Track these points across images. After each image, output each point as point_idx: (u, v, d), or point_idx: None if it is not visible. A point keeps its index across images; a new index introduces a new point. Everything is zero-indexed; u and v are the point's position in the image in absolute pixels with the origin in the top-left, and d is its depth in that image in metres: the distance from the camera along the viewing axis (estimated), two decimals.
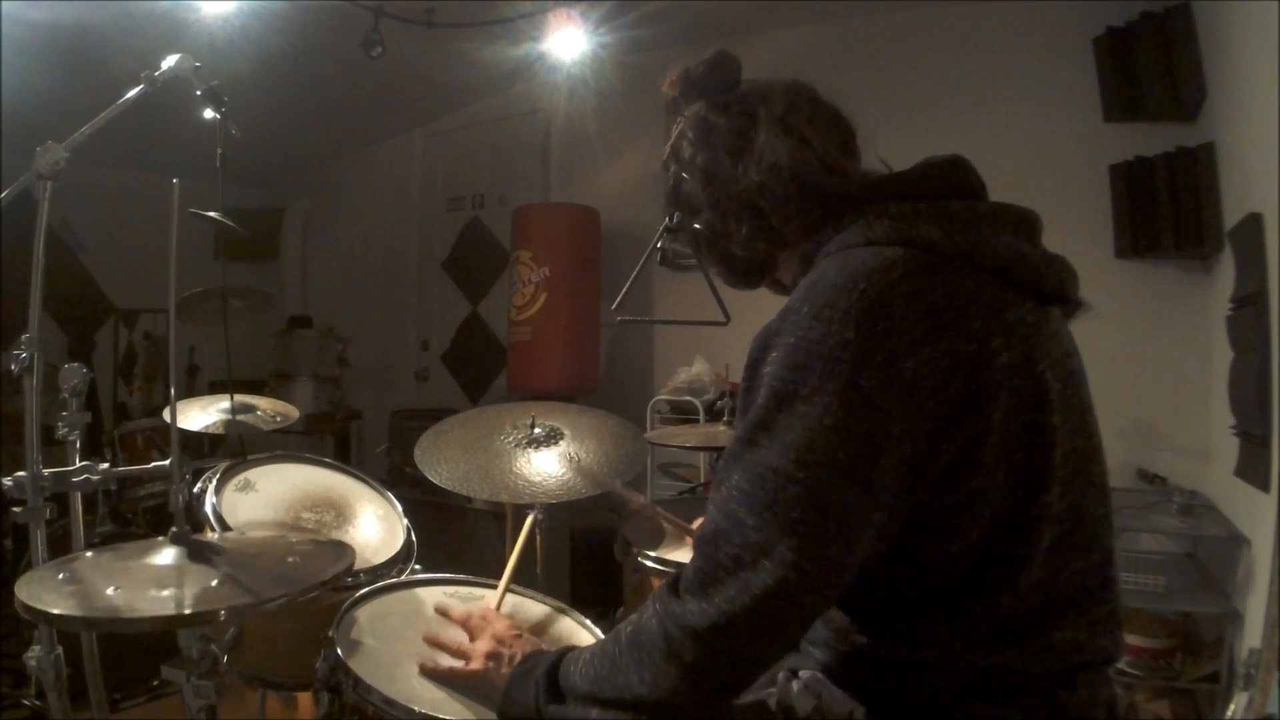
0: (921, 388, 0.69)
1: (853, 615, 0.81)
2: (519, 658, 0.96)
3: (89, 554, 0.99)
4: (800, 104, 0.89)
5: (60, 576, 0.89)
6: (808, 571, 0.69)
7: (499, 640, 1.02)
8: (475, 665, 1.00)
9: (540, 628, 1.25)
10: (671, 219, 1.00)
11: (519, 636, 1.04)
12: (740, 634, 0.70)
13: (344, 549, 1.03)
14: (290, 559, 0.99)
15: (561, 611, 1.31)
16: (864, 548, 0.70)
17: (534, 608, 1.32)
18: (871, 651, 0.80)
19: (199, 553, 0.95)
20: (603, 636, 0.90)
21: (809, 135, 0.87)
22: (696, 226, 0.95)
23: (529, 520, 1.39)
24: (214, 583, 0.89)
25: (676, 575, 0.77)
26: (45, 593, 0.84)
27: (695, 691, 0.73)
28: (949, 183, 0.83)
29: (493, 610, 1.15)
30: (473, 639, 1.06)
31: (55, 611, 0.78)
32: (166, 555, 0.95)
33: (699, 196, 0.93)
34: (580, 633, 1.26)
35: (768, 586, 0.69)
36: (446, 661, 1.05)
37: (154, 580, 0.89)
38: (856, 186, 0.85)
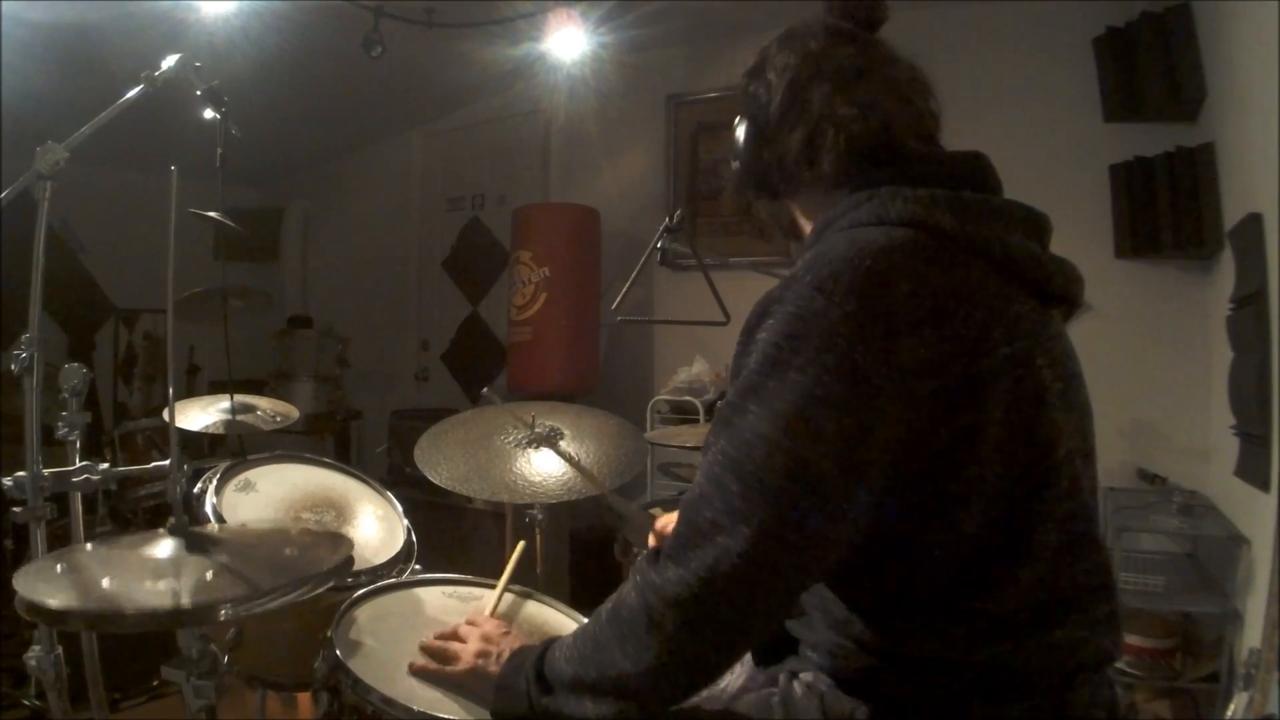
0: (918, 369, 0.68)
1: (853, 612, 0.81)
2: (507, 654, 0.96)
3: (88, 546, 0.99)
4: (919, 78, 0.88)
5: (58, 568, 0.89)
6: (788, 540, 0.68)
7: (487, 639, 1.02)
8: (464, 666, 1.00)
9: (538, 627, 1.25)
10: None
11: (506, 634, 1.03)
12: (719, 602, 0.70)
13: (342, 541, 1.02)
14: (288, 550, 0.99)
15: (557, 610, 1.31)
16: (849, 525, 0.70)
17: (532, 607, 1.32)
18: (872, 651, 0.80)
19: (197, 544, 0.95)
20: None
21: (915, 99, 0.86)
22: (745, 125, 0.92)
23: (519, 548, 1.38)
24: (210, 574, 0.89)
25: (658, 548, 0.76)
26: (42, 583, 0.84)
27: (677, 663, 0.72)
28: (967, 175, 0.82)
29: (481, 615, 1.15)
30: (462, 643, 1.05)
31: (51, 603, 0.78)
32: (164, 547, 0.95)
33: (771, 98, 0.88)
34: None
35: (746, 554, 0.68)
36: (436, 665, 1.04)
37: (151, 571, 0.89)
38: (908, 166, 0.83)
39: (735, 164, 0.96)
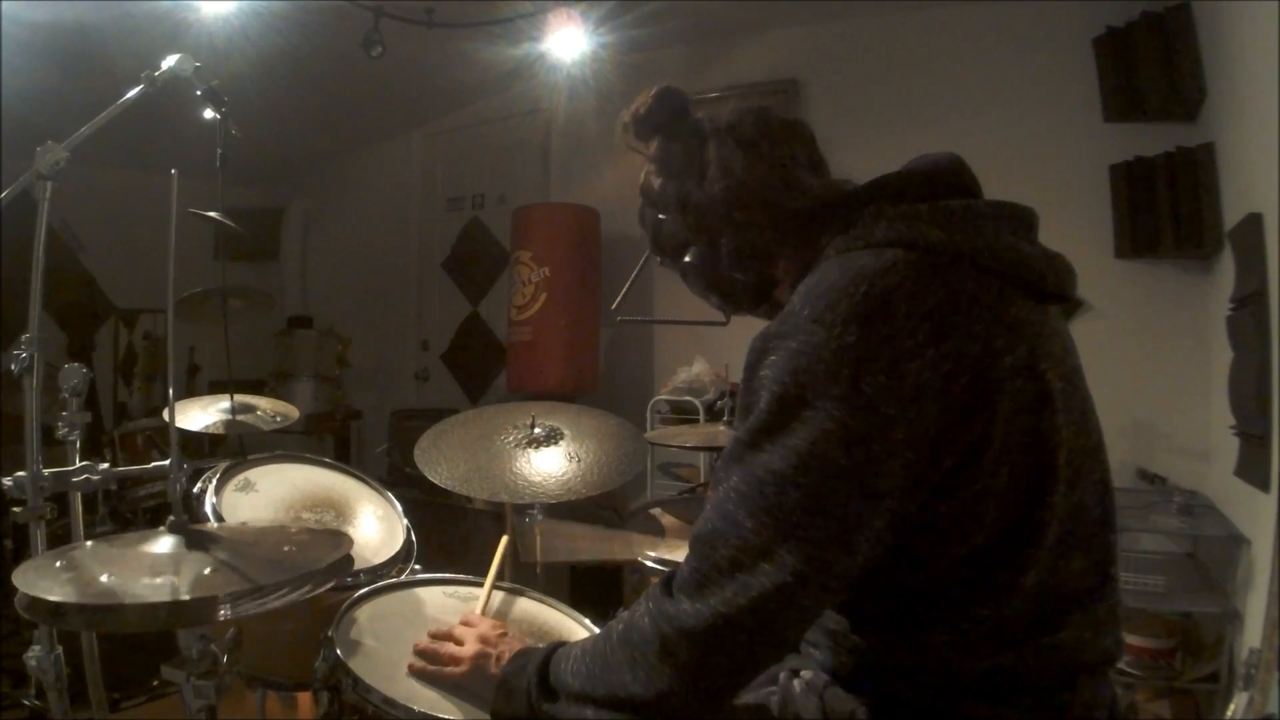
0: (925, 392, 0.68)
1: (856, 618, 0.81)
2: (507, 656, 0.96)
3: (88, 544, 0.99)
4: (746, 117, 0.90)
5: (57, 564, 0.89)
6: (807, 575, 0.68)
7: (485, 641, 1.02)
8: (463, 668, 1.00)
9: (537, 627, 1.25)
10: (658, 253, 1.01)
11: (504, 635, 1.03)
12: (736, 636, 0.70)
13: (341, 538, 1.02)
14: (287, 547, 0.99)
15: (559, 610, 1.31)
16: (864, 552, 0.70)
17: (531, 607, 1.31)
18: (874, 653, 0.80)
19: (196, 541, 0.95)
20: None
21: (761, 145, 0.88)
22: (687, 260, 0.94)
23: (503, 544, 1.38)
24: (209, 570, 0.89)
25: (670, 574, 0.77)
26: (41, 579, 0.84)
27: (690, 691, 0.73)
28: (945, 182, 0.82)
29: (476, 614, 1.15)
30: (459, 644, 1.05)
31: (50, 598, 0.78)
32: (164, 544, 0.95)
33: (678, 229, 0.93)
34: (579, 631, 1.26)
35: (766, 590, 0.68)
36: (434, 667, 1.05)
37: (150, 568, 0.89)
38: (816, 200, 0.85)
39: (715, 303, 0.99)
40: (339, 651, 1.07)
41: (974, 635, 0.73)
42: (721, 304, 0.99)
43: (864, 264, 0.73)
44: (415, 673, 1.04)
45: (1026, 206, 0.82)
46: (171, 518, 0.97)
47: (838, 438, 0.68)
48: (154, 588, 0.84)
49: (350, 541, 0.98)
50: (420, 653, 1.07)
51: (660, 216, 0.95)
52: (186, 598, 0.82)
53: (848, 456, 0.68)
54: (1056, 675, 0.75)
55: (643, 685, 0.74)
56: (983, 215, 0.78)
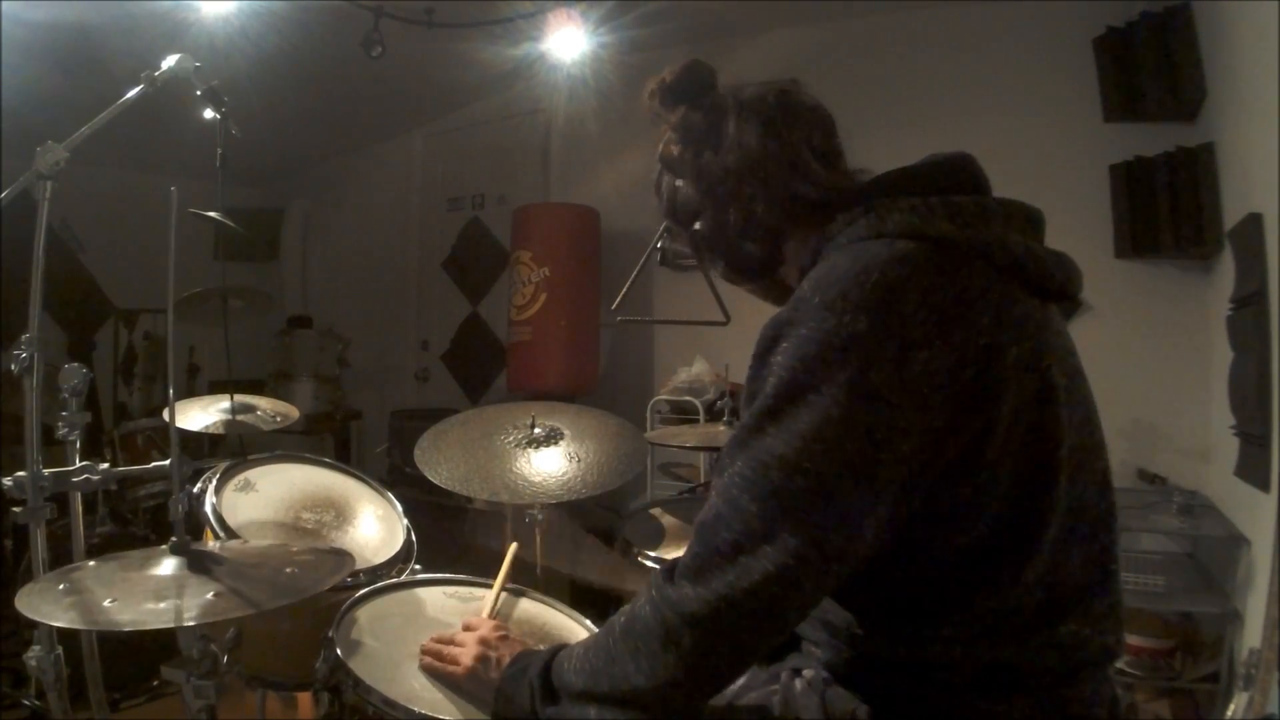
0: (931, 382, 0.69)
1: (857, 614, 0.81)
2: (507, 659, 0.96)
3: (91, 563, 0.99)
4: (769, 94, 0.91)
5: (60, 587, 0.89)
6: (809, 560, 0.69)
7: (485, 643, 1.01)
8: (462, 670, 1.00)
9: (538, 628, 1.25)
10: (669, 231, 1.02)
11: (504, 638, 1.03)
12: (738, 619, 0.70)
13: (343, 558, 1.02)
14: (289, 569, 0.99)
15: (560, 612, 1.31)
16: (867, 540, 0.70)
17: (526, 605, 1.31)
18: (875, 650, 0.80)
19: (198, 563, 0.95)
20: None
21: (778, 124, 0.88)
22: (696, 227, 0.95)
23: (511, 550, 1.38)
24: (212, 595, 0.89)
25: (671, 563, 0.77)
26: (44, 604, 0.84)
27: (692, 678, 0.73)
28: (956, 179, 0.83)
29: (478, 617, 1.15)
30: (460, 646, 1.05)
31: (55, 624, 0.78)
32: (166, 565, 0.95)
33: (692, 197, 0.94)
34: (580, 633, 1.26)
35: (768, 573, 0.69)
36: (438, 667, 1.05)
37: (153, 592, 0.89)
38: (823, 189, 0.86)
39: (721, 272, 0.99)
40: (339, 652, 1.06)
41: (974, 630, 0.74)
42: (728, 273, 0.99)
43: (875, 253, 0.74)
44: (424, 667, 1.05)
45: (1035, 207, 0.83)
46: (174, 539, 0.97)
47: (843, 425, 0.68)
48: (157, 614, 0.84)
49: (352, 561, 0.98)
50: (425, 652, 1.07)
51: (677, 183, 0.96)
52: (191, 625, 0.83)
53: (852, 444, 0.68)
54: (1057, 671, 0.75)
55: (646, 675, 0.74)
56: (992, 212, 0.79)
